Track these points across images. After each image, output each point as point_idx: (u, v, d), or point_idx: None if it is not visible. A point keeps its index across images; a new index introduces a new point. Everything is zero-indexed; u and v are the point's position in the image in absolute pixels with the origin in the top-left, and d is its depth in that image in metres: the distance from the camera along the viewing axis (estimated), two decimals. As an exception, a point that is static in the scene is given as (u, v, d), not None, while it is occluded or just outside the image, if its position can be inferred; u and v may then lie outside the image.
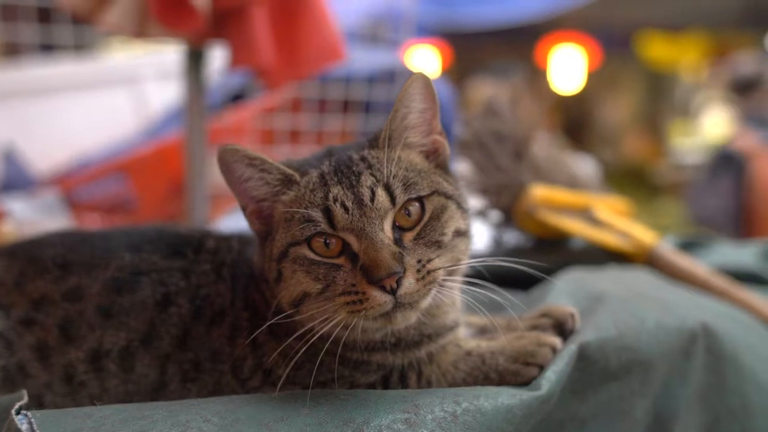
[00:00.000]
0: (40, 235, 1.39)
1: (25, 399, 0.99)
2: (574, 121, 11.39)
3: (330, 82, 2.74)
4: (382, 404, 1.01)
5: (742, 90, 5.99)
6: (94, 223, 2.58)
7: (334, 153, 1.17)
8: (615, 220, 1.79)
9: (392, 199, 1.08)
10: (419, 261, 1.05)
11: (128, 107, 3.37)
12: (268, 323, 1.12)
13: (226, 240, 1.31)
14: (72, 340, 1.22)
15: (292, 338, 1.08)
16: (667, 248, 1.73)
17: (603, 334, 1.21)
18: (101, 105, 3.30)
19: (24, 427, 0.93)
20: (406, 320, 1.06)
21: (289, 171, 1.13)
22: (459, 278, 1.16)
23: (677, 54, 11.82)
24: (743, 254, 1.93)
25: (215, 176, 2.65)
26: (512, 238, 1.90)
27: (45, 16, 2.95)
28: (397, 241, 1.06)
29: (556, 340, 1.16)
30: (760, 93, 5.74)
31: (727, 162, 5.15)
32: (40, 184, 2.84)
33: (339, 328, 1.04)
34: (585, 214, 1.77)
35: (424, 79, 1.13)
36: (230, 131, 2.65)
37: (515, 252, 1.83)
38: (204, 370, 1.18)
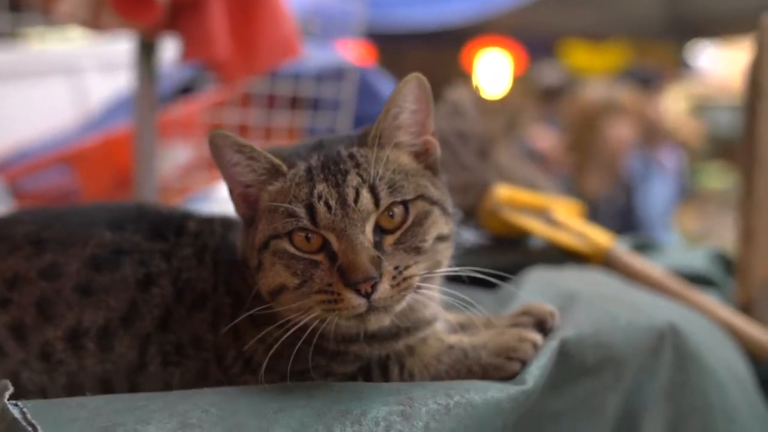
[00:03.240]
0: (8, 213, 1.36)
1: (11, 389, 0.96)
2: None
3: (279, 78, 2.73)
4: (377, 396, 1.01)
5: (547, 97, 7.07)
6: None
7: (324, 146, 1.16)
8: (571, 221, 1.82)
9: (376, 201, 1.08)
10: (396, 267, 1.06)
11: (67, 98, 3.31)
12: (249, 313, 1.12)
13: (209, 223, 1.30)
14: (50, 318, 1.19)
15: (272, 326, 1.09)
16: (622, 250, 1.78)
17: (580, 331, 1.24)
18: (38, 95, 3.22)
19: (18, 416, 0.90)
20: (380, 323, 1.08)
21: (277, 161, 1.13)
22: (437, 282, 1.17)
23: (598, 62, 12.04)
24: (692, 257, 1.99)
25: (164, 168, 2.63)
26: (470, 236, 1.92)
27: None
28: (377, 245, 1.07)
29: (537, 337, 1.18)
30: (560, 101, 6.63)
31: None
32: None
33: (315, 322, 1.05)
34: (543, 214, 1.80)
35: (419, 80, 1.13)
36: (179, 124, 2.62)
37: (475, 251, 1.87)
38: (187, 356, 1.18)
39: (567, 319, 1.27)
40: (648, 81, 6.26)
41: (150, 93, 2.25)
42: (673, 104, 11.69)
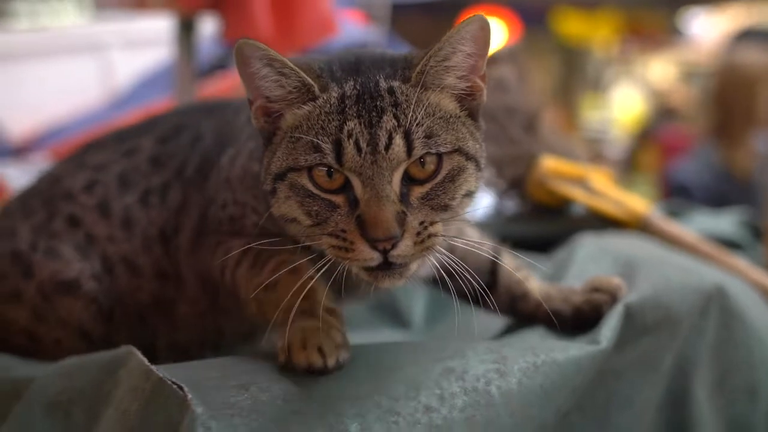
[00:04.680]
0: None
1: (137, 353, 1.03)
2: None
3: (311, 54, 2.79)
4: (475, 355, 1.10)
5: None
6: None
7: (361, 71, 1.09)
8: (608, 189, 1.91)
9: (409, 149, 1.01)
10: (421, 223, 1.01)
11: (93, 76, 3.36)
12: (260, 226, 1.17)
13: None
14: (128, 186, 1.37)
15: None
16: (659, 216, 1.87)
17: (640, 295, 1.33)
18: (64, 74, 3.28)
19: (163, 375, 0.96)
20: (393, 285, 1.05)
21: (309, 80, 1.06)
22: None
23: (590, 30, 12.03)
24: (721, 223, 2.08)
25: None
26: (512, 206, 2.01)
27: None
28: (403, 196, 1.01)
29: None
30: None
31: None
32: (21, 150, 2.85)
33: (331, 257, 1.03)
34: (582, 183, 1.89)
35: (482, 22, 1.05)
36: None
37: (520, 218, 1.96)
38: None
39: (630, 283, 1.36)
40: None
41: (189, 69, 2.33)
42: (664, 71, 11.80)
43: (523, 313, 1.33)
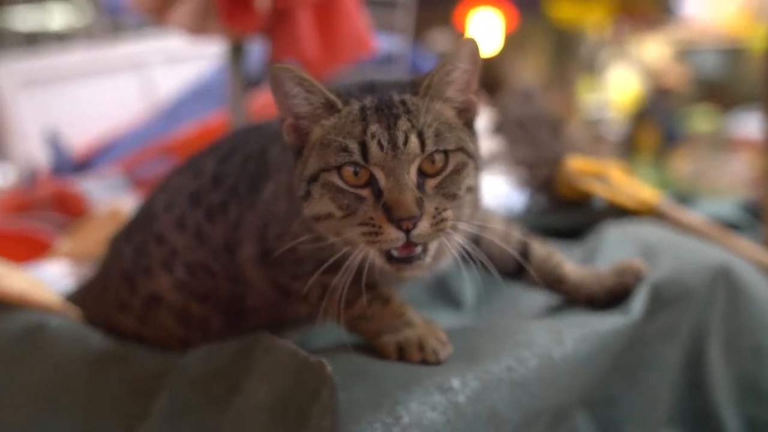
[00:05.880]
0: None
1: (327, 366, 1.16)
2: (489, 80, 11.69)
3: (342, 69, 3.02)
4: (537, 330, 1.37)
5: None
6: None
7: (376, 89, 1.26)
8: (623, 182, 2.18)
9: (422, 146, 1.18)
10: (436, 208, 1.17)
11: (136, 92, 3.58)
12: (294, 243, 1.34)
13: None
14: (197, 204, 1.54)
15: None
16: (669, 203, 2.13)
17: (662, 273, 1.59)
18: (110, 91, 3.51)
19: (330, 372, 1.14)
20: (413, 275, 1.28)
21: (333, 97, 1.23)
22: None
23: (583, 13, 12.11)
24: (723, 207, 2.35)
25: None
26: (543, 201, 2.30)
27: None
28: (419, 186, 1.18)
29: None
30: None
31: None
32: (81, 165, 3.08)
33: (358, 256, 1.22)
34: (602, 178, 2.16)
35: (474, 44, 1.23)
36: (256, 114, 2.91)
37: (549, 212, 2.24)
38: None
39: (653, 263, 1.63)
40: None
41: (240, 89, 2.57)
42: (658, 50, 11.91)
43: (563, 294, 1.58)
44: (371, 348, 1.33)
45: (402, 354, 1.29)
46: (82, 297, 1.79)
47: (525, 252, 1.55)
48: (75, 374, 1.55)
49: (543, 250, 1.58)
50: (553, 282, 1.56)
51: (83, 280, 1.89)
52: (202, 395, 1.36)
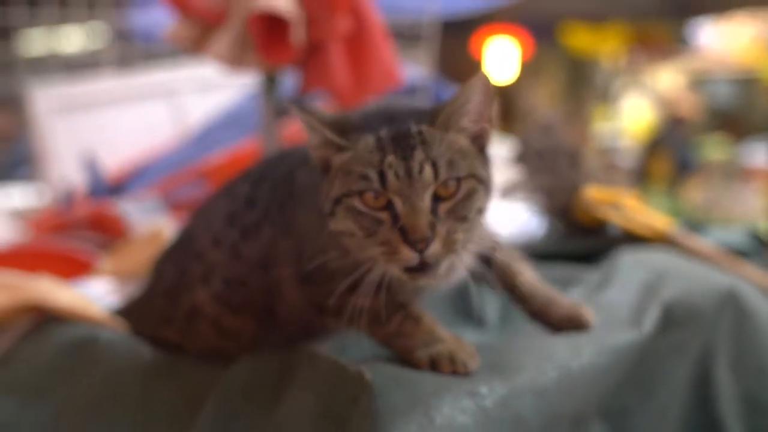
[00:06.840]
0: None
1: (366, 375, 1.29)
2: (504, 107, 11.82)
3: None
4: (556, 344, 1.49)
5: None
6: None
7: (394, 119, 1.31)
8: (636, 209, 2.30)
9: (436, 175, 1.24)
10: (447, 231, 1.25)
11: (167, 118, 3.72)
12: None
13: None
14: (233, 224, 1.64)
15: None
16: (681, 231, 2.25)
17: (672, 295, 1.71)
18: (142, 118, 3.64)
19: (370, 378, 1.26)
20: (428, 284, 1.35)
21: (331, 137, 1.31)
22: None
23: (598, 42, 12.20)
24: (731, 235, 2.46)
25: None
26: (561, 227, 2.42)
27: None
28: (433, 210, 1.24)
29: None
30: None
31: None
32: (114, 189, 3.22)
33: (378, 272, 1.29)
34: (616, 207, 2.28)
35: (486, 79, 1.29)
36: (287, 141, 3.04)
37: (567, 238, 2.37)
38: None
39: (662, 286, 1.75)
40: None
41: (272, 117, 2.70)
42: (672, 80, 11.99)
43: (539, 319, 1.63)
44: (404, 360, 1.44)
45: (434, 366, 1.40)
46: (128, 313, 1.90)
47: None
48: (127, 385, 1.66)
49: (531, 274, 1.64)
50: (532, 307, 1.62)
51: (128, 297, 1.99)
52: (248, 404, 1.48)
